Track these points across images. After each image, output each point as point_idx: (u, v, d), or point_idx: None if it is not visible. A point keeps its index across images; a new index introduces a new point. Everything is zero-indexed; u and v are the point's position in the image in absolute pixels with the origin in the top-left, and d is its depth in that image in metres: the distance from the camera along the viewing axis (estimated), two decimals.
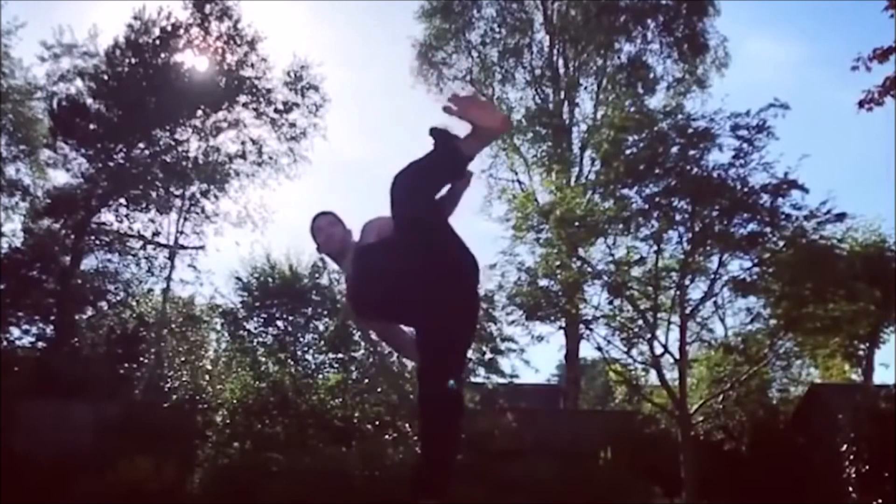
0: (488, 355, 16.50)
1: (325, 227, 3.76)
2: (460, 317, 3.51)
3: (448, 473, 3.45)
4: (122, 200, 20.62)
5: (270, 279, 17.16)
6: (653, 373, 16.37)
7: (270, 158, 21.74)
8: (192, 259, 21.34)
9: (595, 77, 24.29)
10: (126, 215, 20.69)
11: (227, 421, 16.14)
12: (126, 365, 19.31)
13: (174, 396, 17.50)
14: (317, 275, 17.09)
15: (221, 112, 21.26)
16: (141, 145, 20.76)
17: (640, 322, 15.47)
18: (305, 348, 17.22)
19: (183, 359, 20.63)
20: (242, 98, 21.36)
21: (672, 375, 15.91)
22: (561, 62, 24.35)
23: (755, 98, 42.85)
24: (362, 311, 3.79)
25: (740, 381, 16.30)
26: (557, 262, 15.49)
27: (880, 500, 13.60)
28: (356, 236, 3.71)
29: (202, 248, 21.43)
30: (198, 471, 15.22)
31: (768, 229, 14.85)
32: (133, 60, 20.52)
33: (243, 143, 21.60)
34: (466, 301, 3.56)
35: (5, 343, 19.00)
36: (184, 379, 19.04)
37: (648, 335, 15.40)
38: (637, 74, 23.60)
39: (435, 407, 3.39)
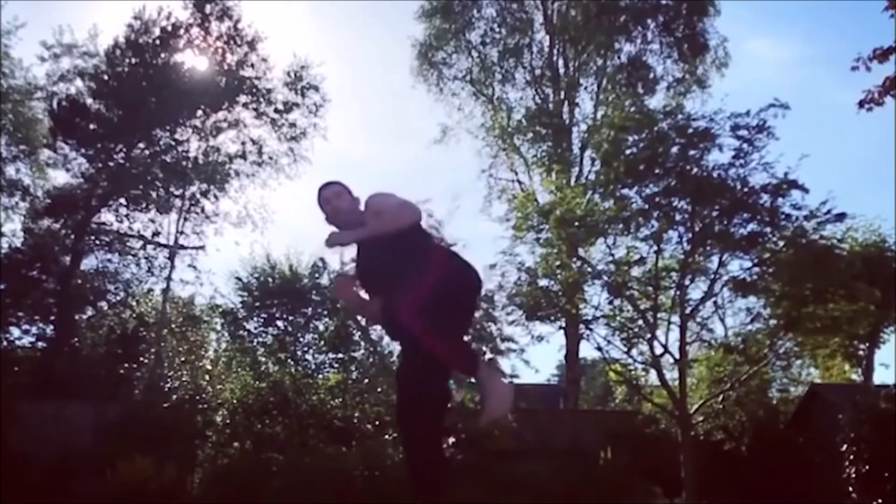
0: (488, 355, 16.48)
1: (332, 199, 3.79)
2: (456, 319, 3.52)
3: (439, 473, 3.44)
4: (122, 200, 20.53)
5: (270, 279, 17.15)
6: (653, 373, 16.40)
7: (270, 158, 21.67)
8: (192, 259, 21.25)
9: (595, 77, 24.28)
10: (126, 215, 20.60)
11: (227, 421, 16.17)
12: (126, 365, 19.24)
13: (174, 396, 17.51)
14: (317, 275, 17.07)
15: (221, 112, 21.20)
16: (141, 145, 20.70)
17: (640, 322, 15.47)
18: (305, 348, 17.21)
19: (183, 359, 20.64)
20: (242, 98, 21.30)
21: (672, 375, 15.95)
22: (561, 62, 24.34)
23: (755, 98, 42.96)
24: (363, 286, 3.82)
25: (740, 381, 16.31)
26: (557, 262, 15.50)
27: (880, 500, 13.59)
28: (361, 208, 3.76)
29: (202, 248, 21.36)
30: (198, 471, 15.24)
31: (768, 229, 14.86)
32: (133, 60, 20.45)
33: (243, 143, 21.55)
34: (465, 308, 3.58)
35: (5, 343, 18.94)
36: (184, 379, 19.06)
37: (648, 335, 15.41)
38: (637, 74, 23.59)
39: (417, 410, 3.39)
